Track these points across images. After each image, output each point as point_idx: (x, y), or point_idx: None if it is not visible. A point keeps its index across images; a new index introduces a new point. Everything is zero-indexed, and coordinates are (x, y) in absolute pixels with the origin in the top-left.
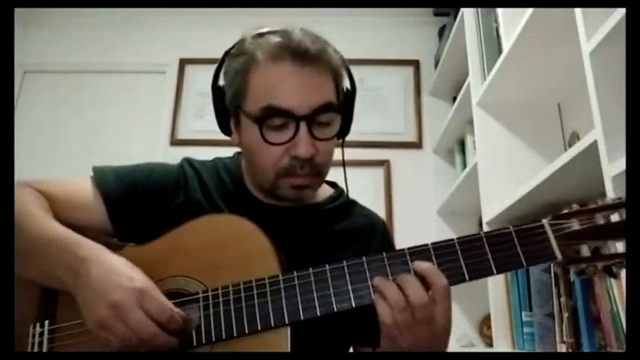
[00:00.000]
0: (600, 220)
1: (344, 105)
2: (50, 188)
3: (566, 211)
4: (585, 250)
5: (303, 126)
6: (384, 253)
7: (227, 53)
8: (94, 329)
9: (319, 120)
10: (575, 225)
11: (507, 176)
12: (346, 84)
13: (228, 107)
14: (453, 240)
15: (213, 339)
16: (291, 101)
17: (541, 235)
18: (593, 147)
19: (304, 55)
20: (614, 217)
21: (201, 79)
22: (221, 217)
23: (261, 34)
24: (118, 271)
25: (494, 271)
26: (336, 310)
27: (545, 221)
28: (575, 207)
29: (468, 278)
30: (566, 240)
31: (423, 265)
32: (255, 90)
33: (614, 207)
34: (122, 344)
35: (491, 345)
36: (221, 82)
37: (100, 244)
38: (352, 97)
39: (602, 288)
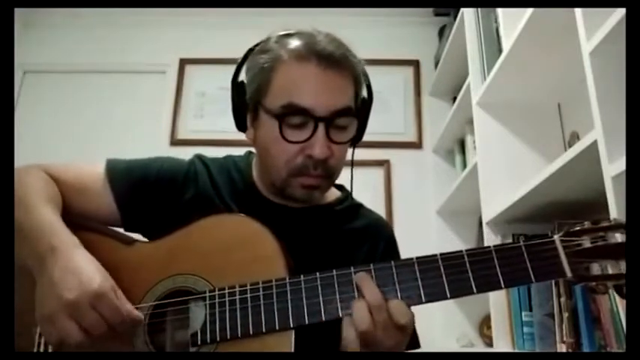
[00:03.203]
0: (612, 238)
1: (360, 112)
2: (63, 174)
3: (577, 227)
4: (596, 269)
5: (321, 127)
6: (392, 262)
7: (251, 50)
8: (40, 321)
9: (337, 123)
10: (586, 242)
11: (507, 176)
12: (364, 92)
13: (247, 102)
14: (461, 251)
15: (218, 338)
16: (312, 101)
17: (551, 252)
18: (593, 147)
19: (328, 58)
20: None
21: (201, 79)
22: (232, 218)
23: (286, 35)
24: (80, 270)
25: (503, 286)
26: (341, 315)
27: (556, 237)
28: (587, 224)
29: (476, 291)
30: (576, 257)
31: (390, 304)
32: (278, 87)
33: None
34: (64, 342)
35: (491, 345)
36: (241, 77)
37: (76, 238)
38: (369, 105)
39: None
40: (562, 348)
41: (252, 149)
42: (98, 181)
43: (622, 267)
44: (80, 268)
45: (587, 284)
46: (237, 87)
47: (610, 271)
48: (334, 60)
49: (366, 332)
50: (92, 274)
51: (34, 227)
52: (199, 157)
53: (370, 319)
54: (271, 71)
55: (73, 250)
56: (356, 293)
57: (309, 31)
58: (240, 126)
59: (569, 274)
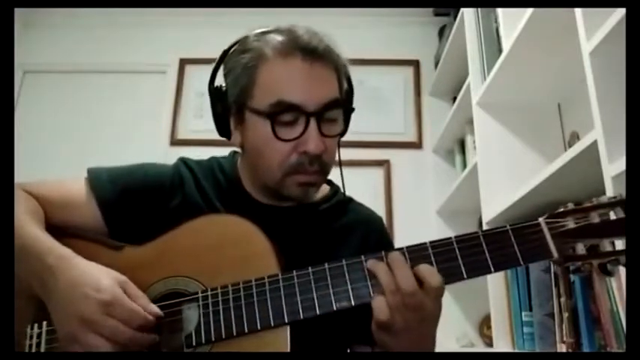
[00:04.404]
0: (595, 218)
1: (345, 103)
2: (44, 191)
3: (561, 209)
4: (581, 248)
5: (312, 122)
6: (382, 252)
7: (226, 53)
8: (63, 342)
9: (327, 116)
10: (570, 223)
11: (507, 176)
12: (345, 83)
13: (229, 106)
14: (450, 238)
15: (213, 339)
16: (302, 96)
17: (537, 234)
18: (593, 147)
19: (313, 52)
20: (610, 216)
21: (201, 79)
22: (221, 218)
23: (264, 32)
24: (84, 282)
25: (492, 269)
26: (335, 309)
27: (541, 220)
28: (571, 206)
29: (466, 276)
30: (562, 238)
31: (420, 268)
32: (265, 85)
33: (608, 205)
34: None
35: (491, 345)
36: (219, 82)
37: (68, 248)
38: (351, 95)
39: (602, 288)
40: (562, 348)
41: (237, 149)
42: (81, 195)
43: (606, 246)
44: (83, 281)
45: (573, 264)
46: (214, 92)
47: (595, 251)
48: (319, 54)
49: (388, 321)
50: (96, 282)
51: (24, 246)
52: (184, 162)
53: (388, 305)
54: (255, 70)
55: (71, 264)
56: (349, 286)
57: (287, 26)
58: (223, 131)
59: (555, 254)
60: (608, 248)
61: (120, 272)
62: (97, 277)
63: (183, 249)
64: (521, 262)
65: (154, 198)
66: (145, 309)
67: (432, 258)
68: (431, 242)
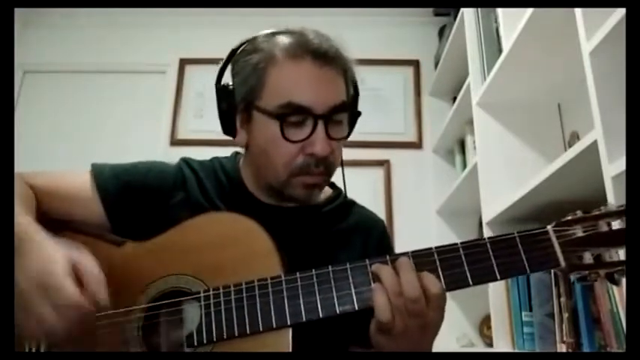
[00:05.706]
0: (604, 227)
1: (351, 106)
2: (43, 181)
3: (569, 217)
4: (588, 257)
5: (320, 124)
6: (387, 256)
7: (234, 52)
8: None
9: (334, 119)
10: (578, 232)
11: (507, 176)
12: (352, 86)
13: (235, 104)
14: (456, 244)
15: (214, 339)
16: (311, 99)
17: (545, 242)
18: (593, 147)
19: (324, 55)
20: (618, 225)
21: (201, 79)
22: (223, 215)
23: (274, 33)
24: (38, 259)
25: (498, 277)
26: (338, 312)
27: (549, 227)
28: (579, 213)
29: (471, 283)
30: (569, 247)
31: (421, 275)
32: (274, 87)
33: (617, 214)
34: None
35: (491, 345)
36: (225, 80)
37: (35, 225)
38: (357, 99)
39: (602, 288)
40: (562, 348)
41: (239, 149)
42: (84, 189)
43: (614, 255)
44: (37, 258)
45: (579, 273)
46: (221, 90)
47: (602, 260)
48: (329, 57)
49: (389, 322)
50: (46, 264)
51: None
52: (186, 162)
53: (391, 306)
54: (265, 71)
55: (33, 241)
56: (352, 290)
57: (297, 29)
58: (227, 129)
59: (562, 263)
60: (615, 257)
61: (120, 268)
62: (49, 258)
63: (184, 247)
64: (528, 270)
65: (156, 195)
66: (96, 294)
67: (438, 264)
68: (436, 247)
